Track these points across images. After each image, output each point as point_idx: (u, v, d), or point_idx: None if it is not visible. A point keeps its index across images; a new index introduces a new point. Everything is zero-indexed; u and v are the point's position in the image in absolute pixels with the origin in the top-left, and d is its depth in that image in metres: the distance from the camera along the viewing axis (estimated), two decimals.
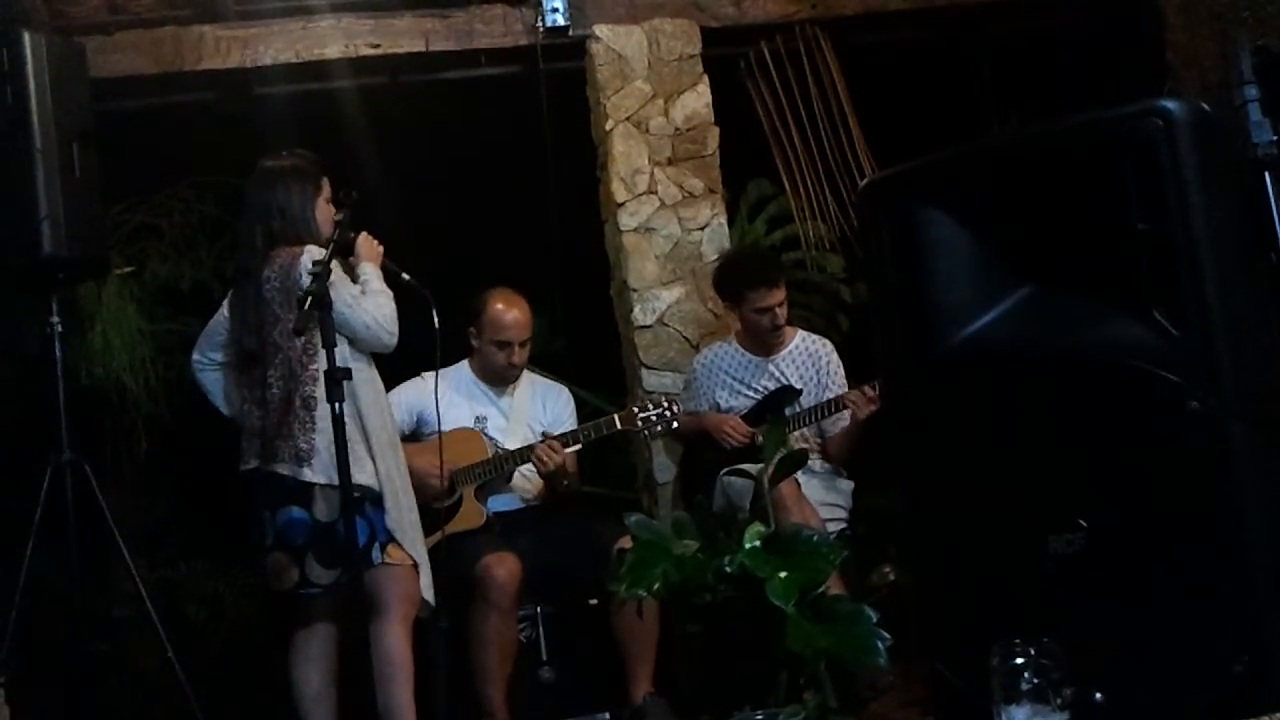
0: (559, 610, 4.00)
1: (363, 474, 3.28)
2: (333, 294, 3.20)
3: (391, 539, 3.36)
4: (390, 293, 3.44)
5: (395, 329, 3.41)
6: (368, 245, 3.50)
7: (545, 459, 3.98)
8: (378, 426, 3.39)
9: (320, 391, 3.23)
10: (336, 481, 3.18)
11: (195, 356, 3.69)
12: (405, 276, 3.50)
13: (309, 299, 3.00)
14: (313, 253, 3.33)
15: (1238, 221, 2.45)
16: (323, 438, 3.27)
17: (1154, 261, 2.37)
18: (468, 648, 3.76)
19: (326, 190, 3.53)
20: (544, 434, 4.09)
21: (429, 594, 3.46)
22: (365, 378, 3.39)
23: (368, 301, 3.37)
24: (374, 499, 3.34)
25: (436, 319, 3.43)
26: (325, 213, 3.50)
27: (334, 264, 3.30)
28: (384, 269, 3.49)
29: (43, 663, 3.86)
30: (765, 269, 4.44)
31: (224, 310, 3.59)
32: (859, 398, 4.16)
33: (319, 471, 3.28)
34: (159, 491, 4.91)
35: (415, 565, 3.41)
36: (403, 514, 3.40)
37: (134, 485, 4.76)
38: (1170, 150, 2.33)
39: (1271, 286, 2.53)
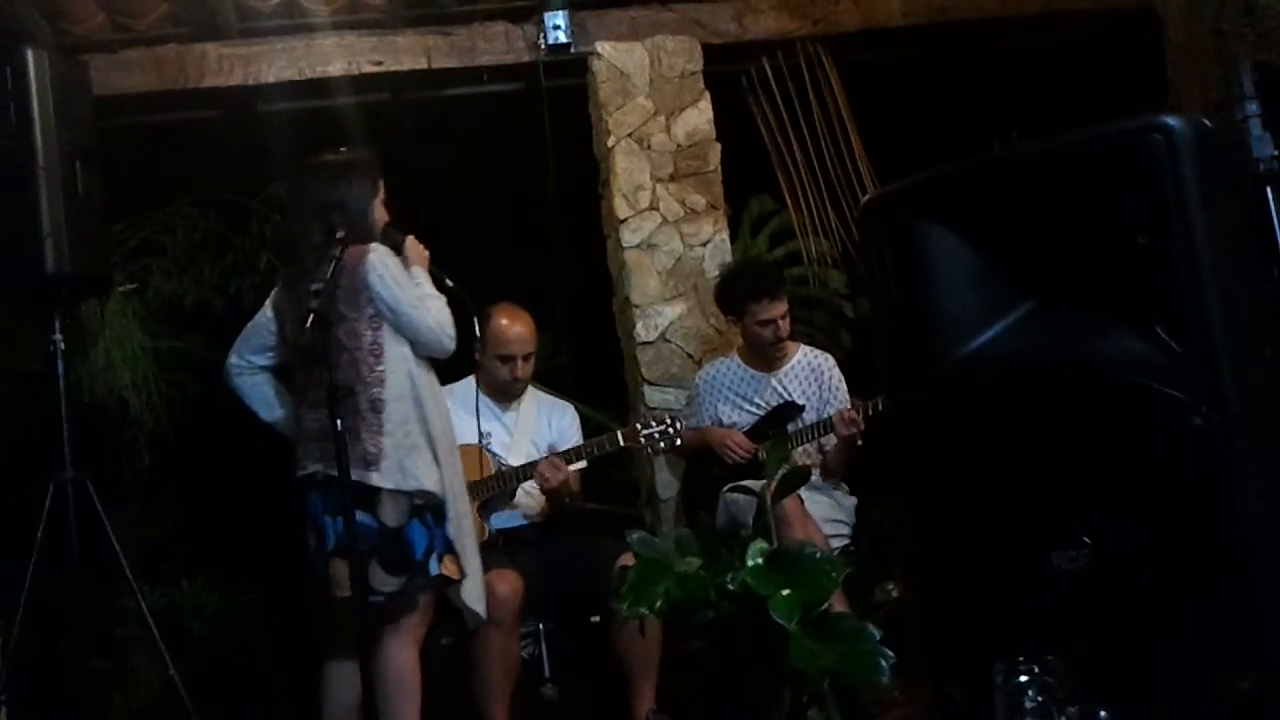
0: (561, 627, 3.99)
1: (429, 480, 3.24)
2: (399, 294, 3.22)
3: (449, 550, 3.31)
4: (444, 297, 3.38)
5: (454, 333, 3.35)
6: (416, 249, 3.43)
7: (548, 475, 3.97)
8: (441, 432, 3.34)
9: (387, 394, 3.22)
10: (404, 487, 3.20)
11: (232, 360, 3.52)
12: (449, 282, 3.43)
13: (311, 316, 2.99)
14: (380, 252, 3.28)
15: (1239, 236, 2.46)
16: (389, 440, 3.21)
17: (1156, 277, 2.37)
18: (470, 665, 3.75)
19: (382, 191, 3.45)
20: (550, 447, 4.08)
21: (479, 605, 3.41)
22: (425, 381, 3.34)
23: (432, 304, 3.32)
24: (436, 507, 3.29)
25: (477, 326, 3.40)
26: (381, 214, 3.43)
27: (395, 265, 3.29)
28: (430, 274, 3.43)
29: (45, 680, 3.86)
30: (768, 280, 4.44)
31: (268, 311, 3.48)
32: (842, 419, 4.16)
33: (387, 476, 3.21)
34: (161, 509, 4.91)
35: (459, 579, 3.34)
36: (461, 522, 3.35)
37: (136, 502, 4.76)
38: (1172, 166, 2.33)
39: (1274, 301, 2.53)
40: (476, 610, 3.41)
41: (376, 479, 3.20)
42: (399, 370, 3.27)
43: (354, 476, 3.17)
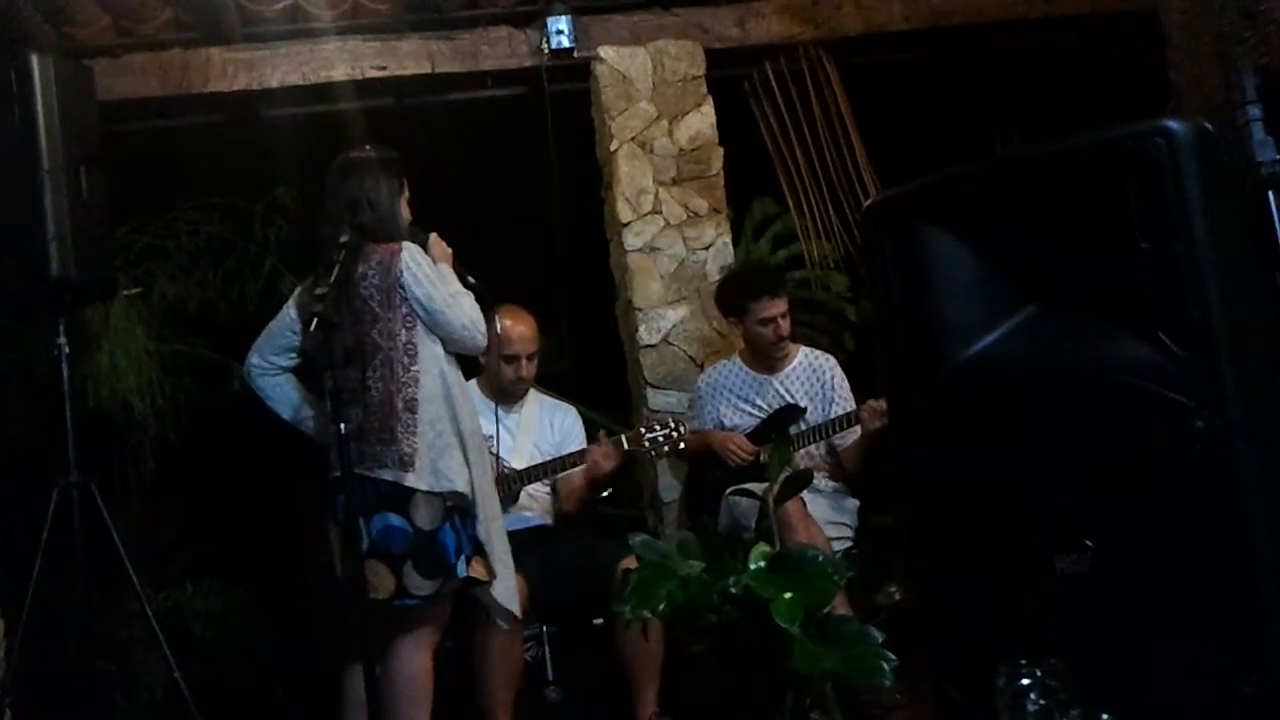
0: (564, 630, 4.00)
1: (460, 481, 3.23)
2: (432, 291, 3.22)
3: (478, 551, 3.30)
4: (471, 294, 3.37)
5: (486, 329, 3.35)
6: (440, 246, 3.42)
7: (600, 461, 3.98)
8: (471, 431, 3.33)
9: (421, 393, 3.22)
10: (436, 488, 3.19)
11: (254, 360, 3.47)
12: (470, 279, 3.42)
13: (314, 320, 2.99)
14: (412, 250, 3.28)
15: (1241, 240, 2.46)
16: (423, 441, 3.21)
17: (1158, 281, 2.37)
18: (474, 668, 3.75)
19: (406, 190, 3.45)
20: (555, 449, 4.05)
21: (513, 604, 3.39)
22: (456, 380, 3.35)
23: (464, 301, 3.32)
24: (464, 508, 3.27)
25: (499, 324, 3.40)
26: (406, 212, 3.42)
27: (427, 262, 3.29)
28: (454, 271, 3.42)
29: (50, 683, 3.87)
30: (766, 279, 4.46)
31: (290, 311, 3.45)
32: (869, 412, 4.16)
33: (421, 477, 3.19)
34: (166, 512, 4.93)
35: (488, 579, 3.33)
36: (491, 522, 3.34)
37: (141, 506, 4.77)
38: (1174, 170, 2.33)
39: (1276, 305, 2.53)
40: (510, 609, 3.39)
41: (412, 480, 3.19)
42: (432, 370, 3.27)
43: (389, 478, 3.18)
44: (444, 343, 3.30)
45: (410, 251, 3.28)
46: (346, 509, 3.06)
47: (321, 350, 3.06)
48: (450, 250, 3.45)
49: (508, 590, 3.38)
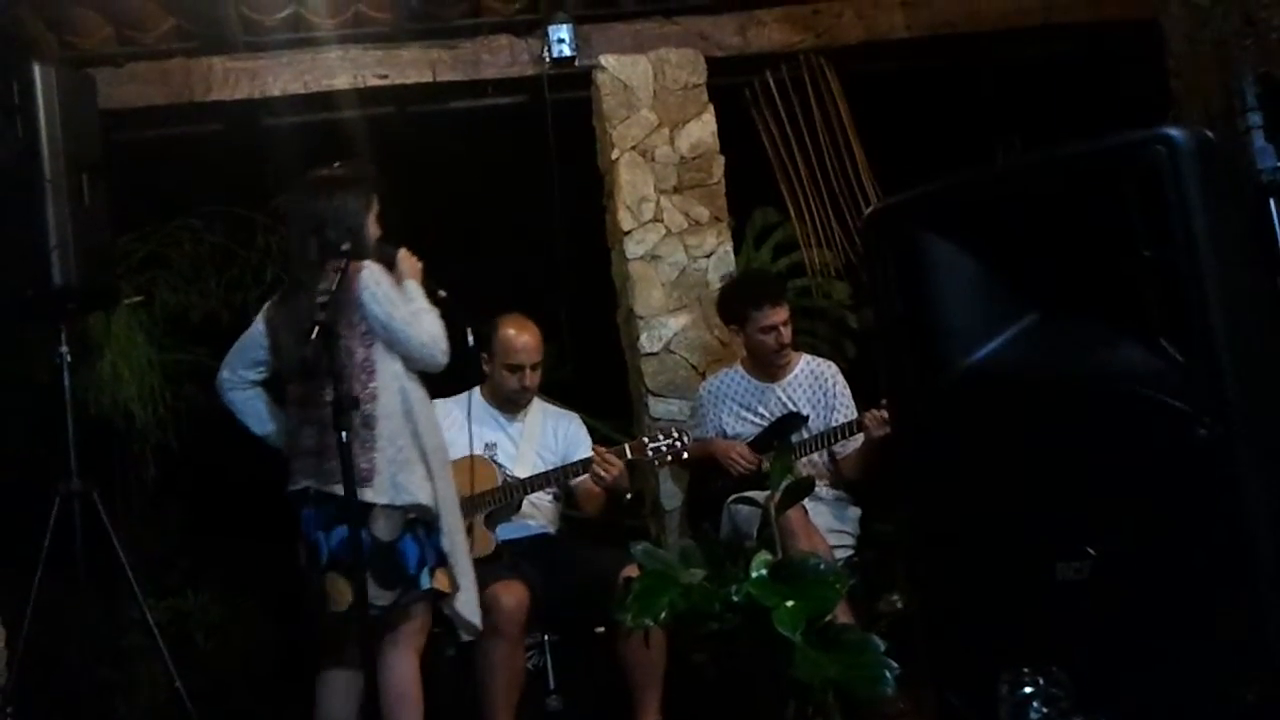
0: (566, 638, 3.99)
1: (422, 494, 3.25)
2: (391, 310, 3.23)
3: (442, 562, 3.32)
4: (436, 310, 3.38)
5: (447, 347, 3.36)
6: (409, 262, 3.44)
7: (603, 472, 3.97)
8: (434, 446, 3.35)
9: (379, 410, 3.23)
10: (397, 502, 3.22)
11: (225, 374, 3.55)
12: (442, 293, 3.43)
13: (315, 329, 3.00)
14: (373, 270, 3.30)
15: (1242, 247, 2.46)
16: (382, 456, 3.23)
17: (1159, 288, 2.37)
18: (475, 676, 3.75)
19: (376, 206, 3.46)
20: (562, 458, 4.07)
21: (474, 617, 3.41)
22: (418, 397, 3.36)
23: (425, 319, 3.33)
24: (428, 521, 3.30)
25: (471, 337, 3.42)
26: (374, 229, 3.44)
27: (388, 282, 3.30)
28: (424, 286, 3.43)
29: (51, 690, 3.86)
30: (767, 287, 4.46)
31: (260, 325, 3.50)
32: (874, 419, 4.15)
33: (380, 492, 3.22)
34: (167, 520, 4.93)
35: (451, 591, 3.35)
36: (454, 534, 3.35)
37: (142, 514, 4.77)
38: (1174, 177, 2.34)
39: (1277, 311, 2.53)
40: (472, 622, 3.42)
41: (370, 495, 3.21)
42: (390, 386, 3.29)
43: (344, 492, 3.17)
44: (404, 360, 3.31)
45: (370, 271, 3.29)
46: (348, 517, 3.08)
47: (322, 358, 3.07)
48: (420, 264, 3.46)
49: (470, 604, 3.40)
